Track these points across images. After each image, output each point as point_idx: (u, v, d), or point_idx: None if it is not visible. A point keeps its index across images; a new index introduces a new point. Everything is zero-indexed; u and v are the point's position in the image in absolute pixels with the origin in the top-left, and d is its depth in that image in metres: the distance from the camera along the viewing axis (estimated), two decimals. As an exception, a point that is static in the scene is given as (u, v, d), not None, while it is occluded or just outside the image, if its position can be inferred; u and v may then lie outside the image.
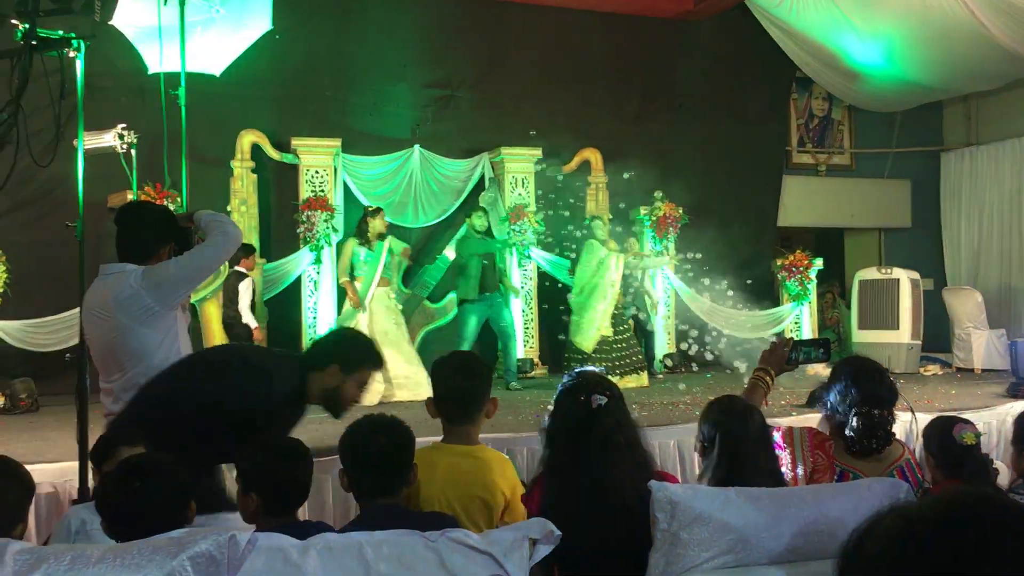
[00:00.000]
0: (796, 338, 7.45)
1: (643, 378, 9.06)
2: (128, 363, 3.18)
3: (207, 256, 3.25)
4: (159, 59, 4.63)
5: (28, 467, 2.69)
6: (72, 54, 3.74)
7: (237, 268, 8.29)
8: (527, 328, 10.33)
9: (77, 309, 3.96)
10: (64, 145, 3.92)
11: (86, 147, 3.99)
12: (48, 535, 4.17)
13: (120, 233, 3.34)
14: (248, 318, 8.21)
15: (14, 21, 3.61)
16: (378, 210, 8.53)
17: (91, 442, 3.93)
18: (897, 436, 2.93)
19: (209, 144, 8.99)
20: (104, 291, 3.21)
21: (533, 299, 10.39)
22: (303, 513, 4.44)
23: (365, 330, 7.77)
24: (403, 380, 7.92)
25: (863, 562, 0.92)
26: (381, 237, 8.30)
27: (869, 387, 2.79)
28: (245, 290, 8.22)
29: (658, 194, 10.63)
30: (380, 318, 8.12)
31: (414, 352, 8.32)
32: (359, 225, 8.50)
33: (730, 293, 10.45)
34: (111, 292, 3.17)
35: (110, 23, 7.94)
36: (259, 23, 9.00)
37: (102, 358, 3.28)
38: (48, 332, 8.37)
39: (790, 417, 6.10)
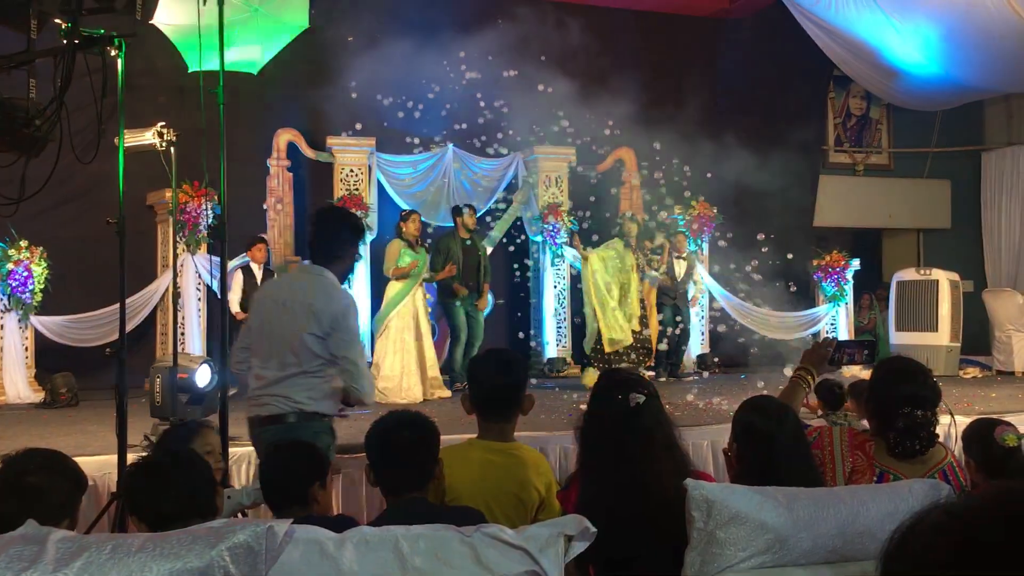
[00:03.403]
0: (838, 338, 7.36)
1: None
2: (305, 362, 3.49)
3: (359, 366, 3.56)
4: (198, 57, 4.68)
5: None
6: (113, 52, 3.78)
7: (246, 256, 8.46)
8: (560, 328, 10.31)
9: (117, 305, 4.01)
10: (105, 143, 3.97)
11: (127, 145, 4.05)
12: (87, 527, 4.24)
13: (320, 232, 3.74)
14: (233, 306, 8.29)
15: (57, 20, 3.66)
16: (411, 213, 8.54)
17: (130, 436, 4.00)
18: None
19: (247, 142, 9.09)
20: (313, 288, 3.56)
21: (566, 299, 10.37)
22: (336, 507, 4.47)
23: (394, 329, 7.84)
24: (430, 380, 8.07)
25: (908, 560, 0.90)
26: (418, 240, 8.31)
27: (912, 387, 2.74)
28: (236, 280, 8.33)
29: (688, 195, 10.56)
30: (420, 313, 8.17)
31: (433, 356, 8.36)
32: (397, 228, 8.52)
33: (759, 297, 10.35)
34: (325, 295, 3.54)
35: (150, 22, 8.08)
36: (297, 21, 9.08)
37: (286, 346, 3.52)
38: (88, 327, 8.51)
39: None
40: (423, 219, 9.59)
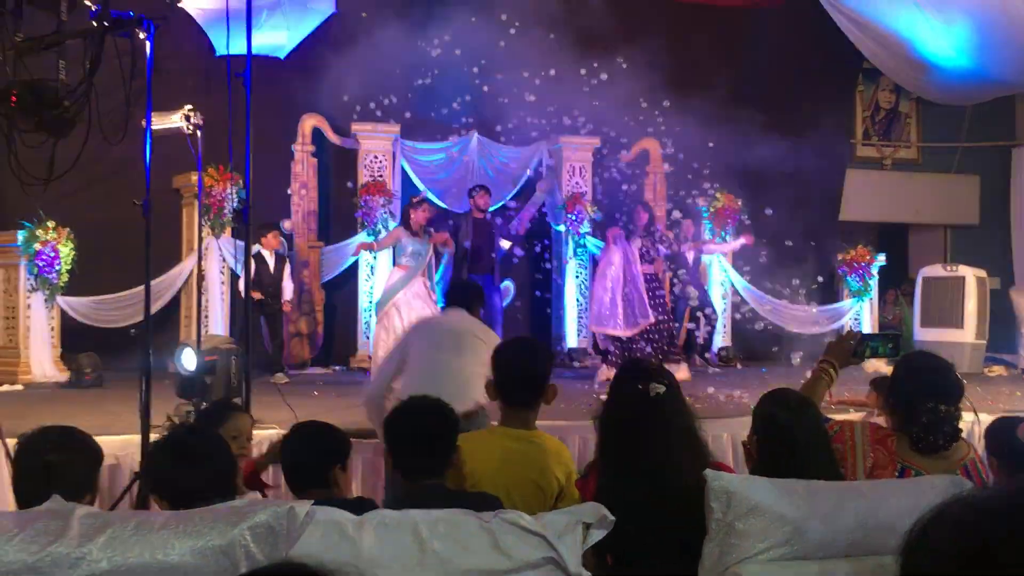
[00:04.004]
0: (863, 332, 7.28)
1: (683, 371, 8.49)
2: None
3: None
4: (226, 41, 4.70)
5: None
6: (142, 35, 3.80)
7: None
8: (582, 318, 10.30)
9: (142, 287, 4.05)
10: (133, 125, 3.99)
11: (154, 127, 4.08)
12: (111, 504, 4.29)
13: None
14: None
15: (88, 2, 3.69)
16: (422, 201, 8.57)
17: (154, 416, 4.04)
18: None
19: (272, 127, 9.11)
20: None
21: (587, 288, 10.36)
22: (356, 489, 4.51)
23: (401, 317, 7.88)
24: None
25: (930, 554, 0.90)
26: (424, 229, 8.31)
27: (936, 382, 2.72)
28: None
29: (715, 187, 10.50)
30: (416, 307, 8.09)
31: None
32: (403, 214, 8.55)
33: (787, 289, 10.30)
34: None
35: (179, 5, 8.12)
36: (323, 6, 9.10)
37: (449, 378, 3.92)
38: (114, 308, 8.59)
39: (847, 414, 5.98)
40: (446, 206, 9.63)
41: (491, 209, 10.15)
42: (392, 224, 9.31)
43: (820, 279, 10.48)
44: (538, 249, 10.45)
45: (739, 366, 10.23)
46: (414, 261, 8.22)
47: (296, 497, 2.66)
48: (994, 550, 0.83)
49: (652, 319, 8.40)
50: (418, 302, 8.09)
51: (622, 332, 8.42)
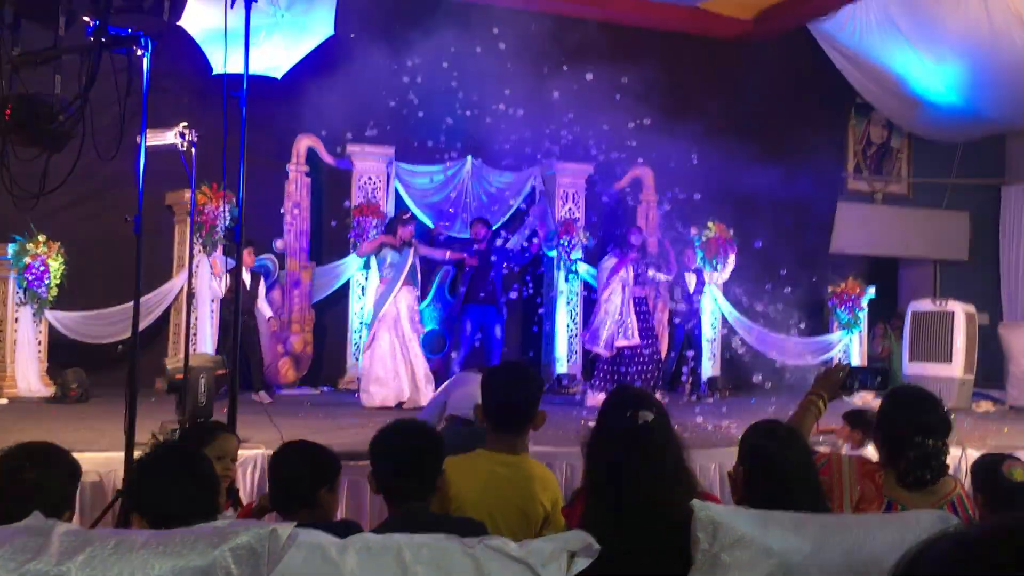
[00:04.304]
0: (852, 364, 7.31)
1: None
2: None
3: None
4: (223, 60, 4.71)
5: (76, 455, 2.72)
6: (139, 52, 3.81)
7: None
8: (572, 343, 10.30)
9: (131, 303, 4.03)
10: (127, 141, 3.99)
11: (148, 144, 4.07)
12: (92, 522, 4.25)
13: None
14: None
15: (86, 18, 3.70)
16: (411, 219, 8.61)
17: (139, 434, 4.01)
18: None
19: (267, 146, 9.14)
20: None
21: (578, 314, 10.36)
22: (341, 512, 4.47)
23: (386, 329, 7.96)
24: (413, 387, 8.06)
25: None
26: (407, 244, 8.34)
27: (924, 416, 2.72)
28: (225, 283, 8.48)
29: (710, 224, 10.56)
30: (402, 316, 8.16)
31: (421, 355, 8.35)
32: (388, 226, 8.55)
33: (772, 318, 10.33)
34: None
35: (178, 24, 8.15)
36: (321, 29, 9.14)
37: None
38: (102, 324, 8.56)
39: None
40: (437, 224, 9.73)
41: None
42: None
43: (801, 325, 10.56)
44: (528, 278, 10.46)
45: (728, 394, 10.24)
46: (392, 272, 8.24)
47: (282, 517, 2.63)
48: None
49: (637, 340, 8.45)
50: (403, 308, 8.12)
51: (604, 351, 8.50)
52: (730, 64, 11.52)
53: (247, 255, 8.59)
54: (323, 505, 2.67)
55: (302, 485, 2.65)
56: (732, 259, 10.51)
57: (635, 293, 8.66)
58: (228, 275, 8.41)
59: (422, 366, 8.14)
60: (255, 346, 8.64)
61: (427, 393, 7.72)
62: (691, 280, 10.14)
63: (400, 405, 7.87)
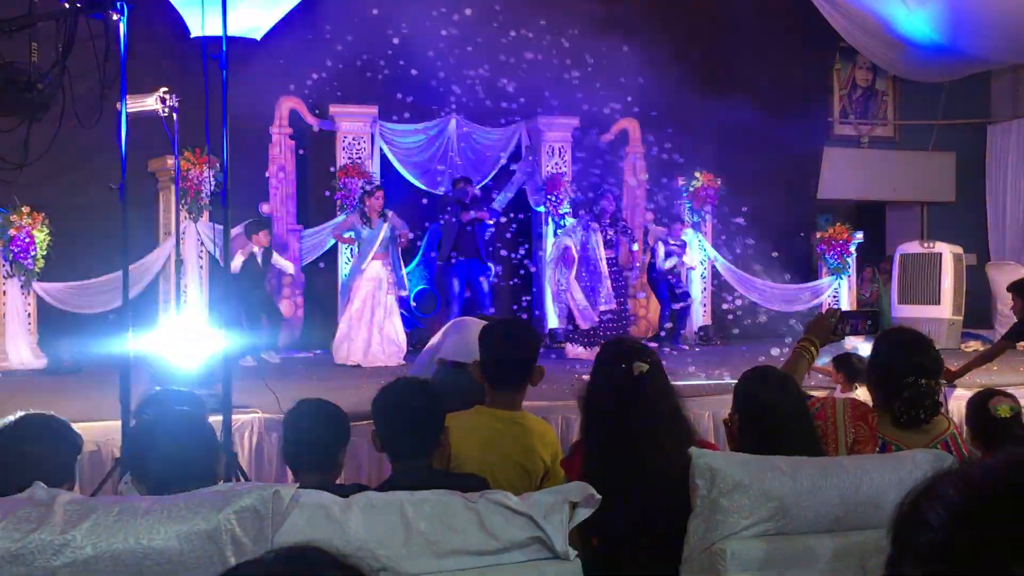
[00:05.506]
0: (842, 309, 7.34)
1: None
2: None
3: None
4: (200, 23, 4.64)
5: (73, 426, 2.71)
6: (115, 17, 3.74)
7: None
8: (562, 296, 10.29)
9: (120, 272, 4.01)
10: (107, 108, 3.94)
11: (129, 110, 4.01)
12: (92, 492, 4.26)
13: None
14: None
15: (59, -17, 3.63)
16: (377, 188, 8.63)
17: (133, 402, 4.01)
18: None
19: (249, 110, 9.00)
20: None
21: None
22: (342, 478, 4.50)
23: (359, 299, 8.27)
24: (380, 348, 8.29)
25: (923, 530, 0.89)
26: (380, 215, 8.37)
27: (915, 357, 2.75)
28: (237, 261, 8.38)
29: (697, 174, 10.54)
30: (379, 286, 8.37)
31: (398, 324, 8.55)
32: (360, 200, 8.61)
33: (761, 266, 10.36)
34: None
35: (152, -13, 8.00)
36: (299, -13, 8.97)
37: None
38: (91, 294, 8.51)
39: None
40: (425, 187, 9.68)
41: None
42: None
43: (785, 269, 10.68)
44: (513, 228, 10.44)
45: (719, 343, 10.30)
46: (363, 247, 8.42)
47: (297, 479, 2.60)
48: (985, 521, 0.83)
49: (614, 304, 8.72)
50: (371, 285, 8.33)
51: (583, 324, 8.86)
52: (714, 12, 11.40)
53: (263, 236, 8.64)
54: (340, 466, 2.66)
55: (323, 446, 2.60)
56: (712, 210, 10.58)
57: (607, 254, 8.88)
58: (240, 254, 8.43)
59: (393, 330, 8.39)
60: (272, 310, 8.81)
61: (389, 355, 8.25)
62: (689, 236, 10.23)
63: (358, 366, 8.10)
